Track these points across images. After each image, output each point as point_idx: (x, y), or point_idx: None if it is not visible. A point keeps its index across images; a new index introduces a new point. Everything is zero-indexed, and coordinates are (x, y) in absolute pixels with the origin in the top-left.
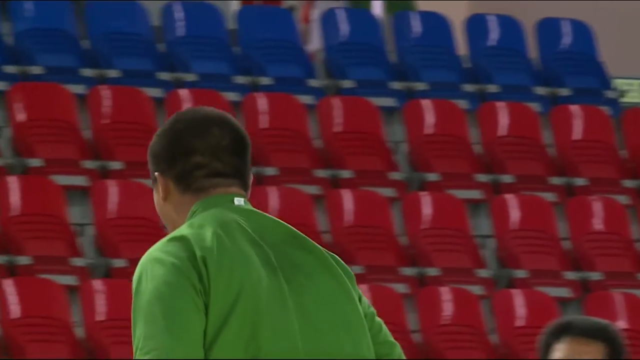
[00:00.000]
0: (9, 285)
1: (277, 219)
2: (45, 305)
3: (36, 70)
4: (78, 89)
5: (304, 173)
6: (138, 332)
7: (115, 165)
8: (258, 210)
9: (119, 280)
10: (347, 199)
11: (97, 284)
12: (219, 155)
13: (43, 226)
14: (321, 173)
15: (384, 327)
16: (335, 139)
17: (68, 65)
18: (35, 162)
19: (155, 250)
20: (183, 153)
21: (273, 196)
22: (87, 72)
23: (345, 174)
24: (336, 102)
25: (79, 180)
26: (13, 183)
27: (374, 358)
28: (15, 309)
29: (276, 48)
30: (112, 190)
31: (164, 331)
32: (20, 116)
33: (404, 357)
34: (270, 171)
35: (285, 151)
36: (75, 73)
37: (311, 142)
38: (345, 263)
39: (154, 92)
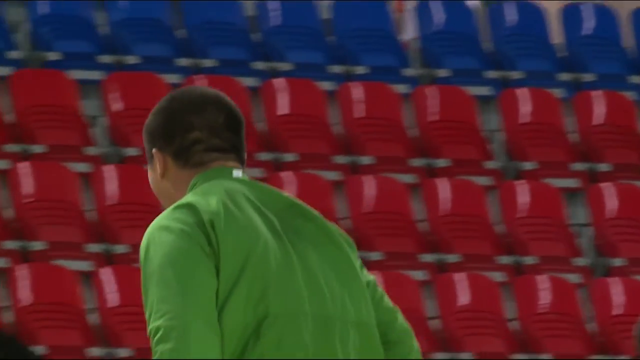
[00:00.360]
0: (104, 274)
1: (276, 189)
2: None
3: (132, 60)
4: (173, 78)
5: (399, 162)
6: (151, 297)
7: None
8: (257, 182)
9: None
10: (443, 188)
11: None
12: (216, 132)
13: (139, 215)
14: (416, 162)
15: (385, 295)
16: (430, 128)
17: (163, 55)
18: (131, 152)
19: (162, 218)
20: (181, 129)
21: (369, 185)
22: (183, 61)
23: (441, 163)
24: (431, 91)
25: None
26: (110, 172)
27: (374, 323)
28: (112, 297)
29: (371, 37)
30: None
31: (177, 294)
32: (116, 105)
33: (406, 323)
34: (365, 160)
35: (381, 140)
36: (171, 63)
37: (406, 131)
38: (442, 252)
39: (249, 81)
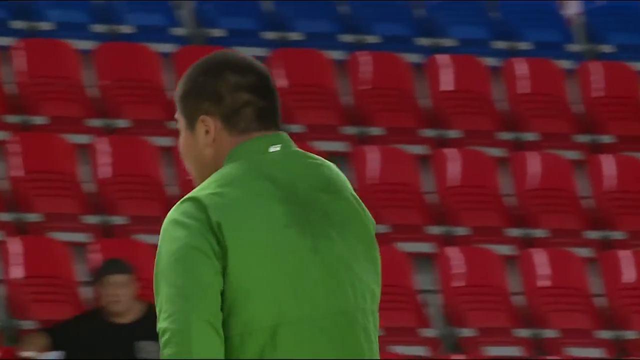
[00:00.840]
0: None
1: (310, 159)
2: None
3: (295, 36)
4: (337, 54)
5: (564, 138)
6: (160, 295)
7: (375, 131)
8: (293, 153)
9: (381, 246)
10: (608, 164)
11: None
12: (261, 94)
13: None
14: (581, 138)
15: None
16: (595, 104)
17: (327, 31)
18: (295, 128)
19: (175, 212)
20: (230, 89)
21: (534, 162)
22: (346, 37)
23: (606, 139)
24: (595, 67)
25: (338, 146)
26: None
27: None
28: None
29: (534, 13)
30: (372, 156)
31: (182, 295)
32: (280, 82)
33: None
34: (530, 137)
35: (545, 116)
36: (334, 39)
37: (570, 107)
38: (607, 229)
39: (413, 57)
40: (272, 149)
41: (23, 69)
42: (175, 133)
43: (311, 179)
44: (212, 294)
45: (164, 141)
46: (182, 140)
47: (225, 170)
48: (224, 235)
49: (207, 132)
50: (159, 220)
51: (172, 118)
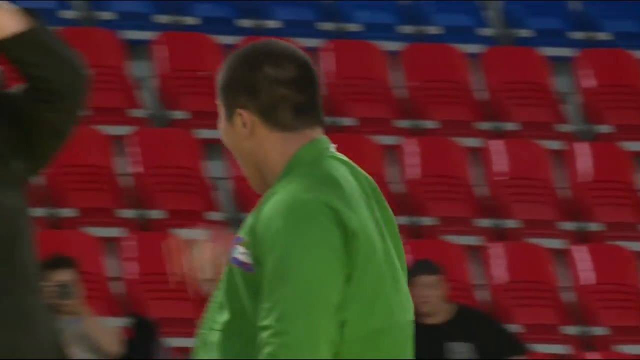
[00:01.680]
0: (577, 252)
1: (356, 166)
2: (618, 272)
3: (602, 36)
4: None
5: None
6: (279, 293)
7: (604, 128)
8: (345, 159)
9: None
10: None
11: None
12: (300, 88)
13: (613, 192)
14: None
15: None
16: None
17: (636, 31)
18: (604, 129)
19: (301, 209)
20: (267, 83)
21: None
22: (576, 34)
23: None
24: None
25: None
26: (582, 149)
27: None
28: (587, 275)
29: None
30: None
31: (311, 306)
32: (588, 82)
33: None
34: None
35: None
36: None
37: None
38: None
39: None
40: (332, 150)
41: (331, 69)
42: (483, 134)
43: (367, 184)
44: (335, 314)
45: (472, 142)
46: (222, 129)
47: (312, 172)
48: (359, 243)
49: (244, 125)
50: (465, 222)
51: (481, 119)
